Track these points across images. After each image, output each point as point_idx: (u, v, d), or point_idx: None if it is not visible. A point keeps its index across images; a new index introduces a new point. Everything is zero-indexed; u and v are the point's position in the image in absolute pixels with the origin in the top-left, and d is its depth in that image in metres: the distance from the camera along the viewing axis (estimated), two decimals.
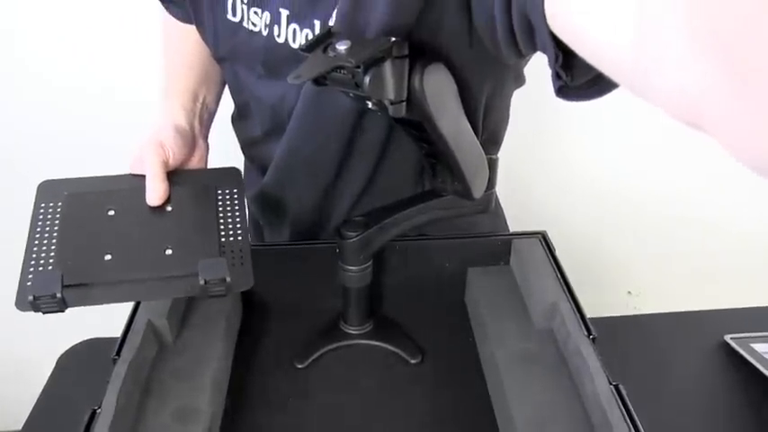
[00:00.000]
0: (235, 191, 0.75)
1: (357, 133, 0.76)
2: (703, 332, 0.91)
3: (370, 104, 0.55)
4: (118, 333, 0.71)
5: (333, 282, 0.78)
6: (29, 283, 0.61)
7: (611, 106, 1.46)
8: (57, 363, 0.93)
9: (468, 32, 0.61)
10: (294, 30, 0.68)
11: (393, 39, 0.52)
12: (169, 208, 0.70)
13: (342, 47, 0.52)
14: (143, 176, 0.71)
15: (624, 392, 0.61)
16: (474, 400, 0.74)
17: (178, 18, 0.85)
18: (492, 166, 0.72)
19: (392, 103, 0.54)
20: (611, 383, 0.62)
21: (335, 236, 0.74)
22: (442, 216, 0.77)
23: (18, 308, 0.60)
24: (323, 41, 0.54)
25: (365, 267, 0.76)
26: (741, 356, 0.86)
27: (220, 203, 0.73)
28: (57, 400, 0.86)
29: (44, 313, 0.61)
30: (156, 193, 0.69)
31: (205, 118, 0.90)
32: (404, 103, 0.55)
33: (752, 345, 0.87)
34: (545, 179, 1.59)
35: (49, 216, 0.68)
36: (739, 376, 0.84)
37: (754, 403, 0.81)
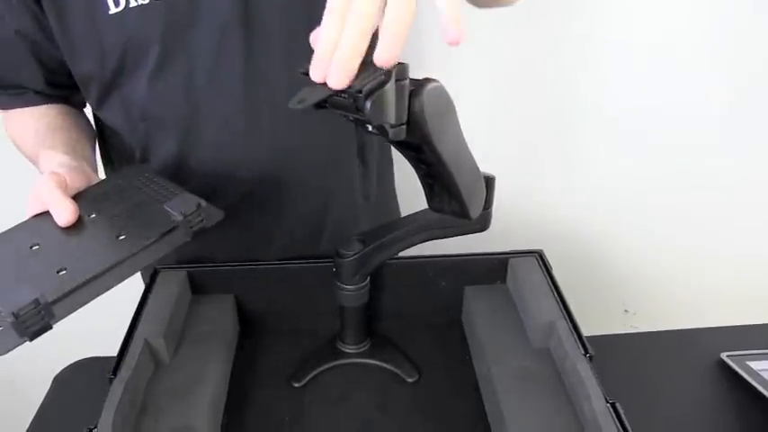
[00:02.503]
0: (146, 174, 0.74)
1: None
2: (700, 350, 0.91)
3: (370, 128, 0.56)
4: (114, 352, 0.70)
5: (330, 301, 0.78)
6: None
7: (610, 125, 1.47)
8: (53, 382, 0.93)
9: None
10: None
11: (396, 62, 0.52)
12: (93, 215, 0.67)
13: None
14: (46, 212, 0.66)
15: (621, 411, 0.62)
16: (471, 419, 0.74)
17: (37, 103, 0.86)
18: (489, 185, 0.73)
19: (392, 127, 0.54)
20: (607, 402, 0.62)
21: (333, 255, 0.75)
22: (439, 236, 0.77)
23: None
24: None
25: (362, 286, 0.77)
26: (737, 374, 0.86)
27: (141, 187, 0.72)
28: (53, 419, 0.86)
29: (31, 338, 0.54)
30: (64, 211, 0.65)
31: (91, 161, 0.85)
32: (404, 127, 0.55)
33: (748, 362, 0.87)
34: (541, 197, 1.59)
35: None
36: (735, 394, 0.84)
37: (751, 421, 0.81)
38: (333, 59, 0.49)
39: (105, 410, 0.61)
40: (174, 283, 0.80)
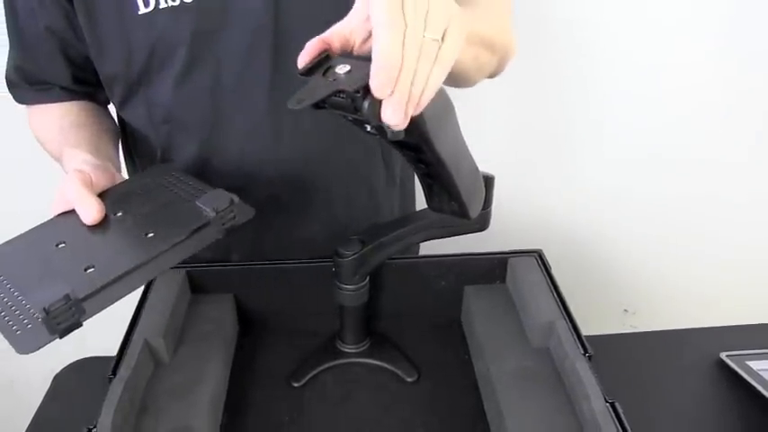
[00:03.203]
0: (173, 173, 0.73)
1: None
2: (699, 350, 0.91)
3: (368, 128, 0.56)
4: (114, 352, 0.70)
5: (330, 301, 0.78)
6: (28, 306, 0.55)
7: (610, 126, 1.47)
8: (52, 382, 0.93)
9: None
10: None
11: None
12: (119, 214, 0.66)
13: (341, 71, 0.52)
14: (72, 211, 0.65)
15: (620, 410, 0.62)
16: (470, 418, 0.74)
17: (62, 99, 0.86)
18: (488, 185, 0.73)
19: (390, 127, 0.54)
20: (607, 401, 0.62)
21: (332, 254, 0.75)
22: (438, 235, 0.77)
23: (23, 350, 0.52)
24: (322, 65, 0.54)
25: (361, 286, 0.76)
26: (737, 374, 0.86)
27: (168, 185, 0.70)
28: (52, 419, 0.86)
29: (61, 335, 0.53)
30: (90, 208, 0.64)
31: (115, 161, 0.85)
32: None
33: (747, 362, 0.87)
34: (541, 197, 1.59)
35: None
36: (735, 394, 0.84)
37: (750, 421, 0.81)
38: (398, 93, 0.47)
39: (105, 410, 0.61)
40: (173, 282, 0.80)
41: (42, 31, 0.79)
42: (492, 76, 0.87)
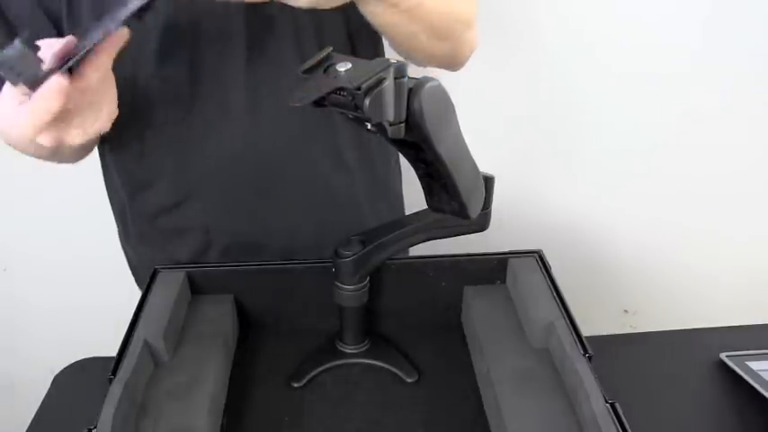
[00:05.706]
0: None
1: None
2: (699, 350, 0.91)
3: (369, 126, 0.56)
4: (114, 352, 0.70)
5: (330, 301, 0.78)
6: None
7: (609, 125, 1.47)
8: (53, 382, 0.93)
9: None
10: None
11: (394, 60, 0.52)
12: None
13: (342, 68, 0.52)
14: None
15: (620, 411, 0.62)
16: (470, 419, 0.74)
17: None
18: (488, 185, 0.73)
19: (391, 125, 0.55)
20: (607, 402, 0.62)
21: (332, 255, 0.75)
22: (438, 236, 0.77)
23: None
24: (323, 63, 0.55)
25: (361, 287, 0.77)
26: (737, 374, 0.86)
27: None
28: (52, 419, 0.86)
29: None
30: None
31: None
32: (403, 125, 0.55)
33: (747, 363, 0.87)
34: (541, 197, 1.59)
35: None
36: (735, 394, 0.84)
37: (750, 421, 0.81)
38: None
39: (105, 410, 0.61)
40: (173, 283, 0.80)
41: None
42: (449, 66, 0.87)
